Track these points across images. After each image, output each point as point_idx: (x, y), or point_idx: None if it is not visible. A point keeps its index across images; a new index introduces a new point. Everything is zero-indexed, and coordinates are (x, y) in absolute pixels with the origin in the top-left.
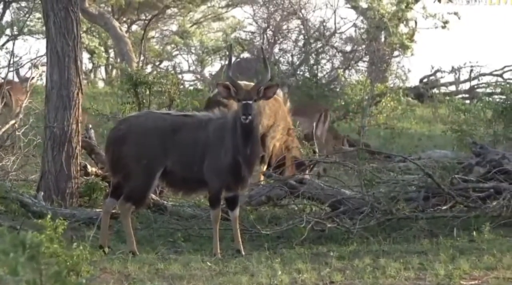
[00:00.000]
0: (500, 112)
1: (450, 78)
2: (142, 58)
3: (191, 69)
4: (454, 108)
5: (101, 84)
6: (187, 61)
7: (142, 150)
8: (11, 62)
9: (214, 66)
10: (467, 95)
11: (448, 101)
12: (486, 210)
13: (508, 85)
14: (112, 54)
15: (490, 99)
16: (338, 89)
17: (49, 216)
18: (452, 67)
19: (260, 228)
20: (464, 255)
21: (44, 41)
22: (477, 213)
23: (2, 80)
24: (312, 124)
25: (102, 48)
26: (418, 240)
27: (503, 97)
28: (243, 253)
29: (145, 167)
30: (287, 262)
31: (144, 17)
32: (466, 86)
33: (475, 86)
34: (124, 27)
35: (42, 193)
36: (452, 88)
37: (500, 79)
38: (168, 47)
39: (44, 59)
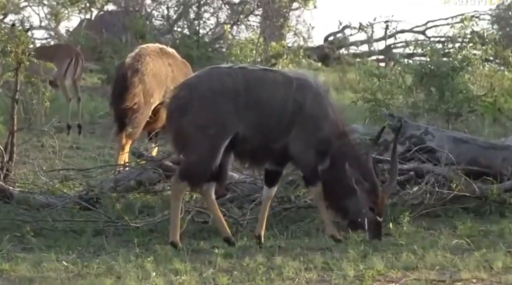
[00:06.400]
0: (421, 77)
1: (362, 36)
2: None
3: (43, 24)
4: (366, 73)
5: None
6: (38, 14)
7: (208, 118)
8: None
9: (71, 21)
10: (382, 57)
11: (359, 64)
12: (405, 197)
13: (431, 45)
14: None
15: (410, 61)
16: (224, 49)
17: None
18: (363, 23)
19: (128, 219)
20: (378, 252)
21: None
22: (394, 201)
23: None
24: (61, 69)
25: None
26: (322, 233)
27: (426, 59)
28: (262, 240)
29: (211, 137)
30: (161, 261)
31: None
32: (381, 45)
33: (392, 46)
34: None
35: None
36: (364, 48)
37: (422, 37)
38: None
39: None
